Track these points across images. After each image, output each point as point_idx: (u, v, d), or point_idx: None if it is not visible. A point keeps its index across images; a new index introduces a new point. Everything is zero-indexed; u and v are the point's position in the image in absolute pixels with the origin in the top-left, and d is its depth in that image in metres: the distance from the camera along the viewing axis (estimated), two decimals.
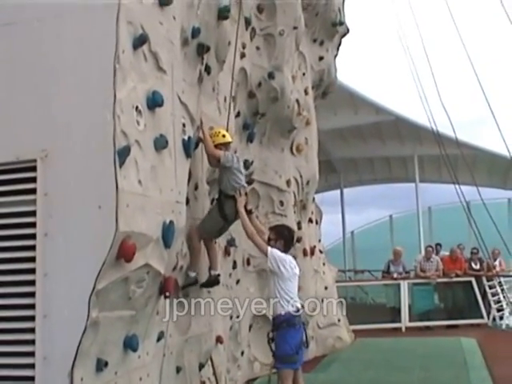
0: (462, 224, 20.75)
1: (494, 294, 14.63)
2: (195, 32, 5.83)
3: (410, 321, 14.35)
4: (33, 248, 4.28)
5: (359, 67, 44.21)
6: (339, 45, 12.43)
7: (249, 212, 6.76)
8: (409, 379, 8.76)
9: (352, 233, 27.90)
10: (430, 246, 15.99)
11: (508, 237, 14.31)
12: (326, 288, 11.19)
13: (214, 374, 6.91)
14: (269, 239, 6.54)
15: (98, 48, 4.37)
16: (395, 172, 25.31)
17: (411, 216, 23.94)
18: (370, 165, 25.19)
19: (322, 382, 8.36)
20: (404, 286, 14.60)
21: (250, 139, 8.71)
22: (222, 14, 6.40)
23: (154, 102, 4.75)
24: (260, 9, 8.87)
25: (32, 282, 4.26)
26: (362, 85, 31.06)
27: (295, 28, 9.19)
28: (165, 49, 5.06)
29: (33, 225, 4.31)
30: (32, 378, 4.15)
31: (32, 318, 4.23)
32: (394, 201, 30.37)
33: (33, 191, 4.35)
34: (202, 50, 6.08)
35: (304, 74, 10.59)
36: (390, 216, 28.25)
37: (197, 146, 6.36)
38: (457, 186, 13.19)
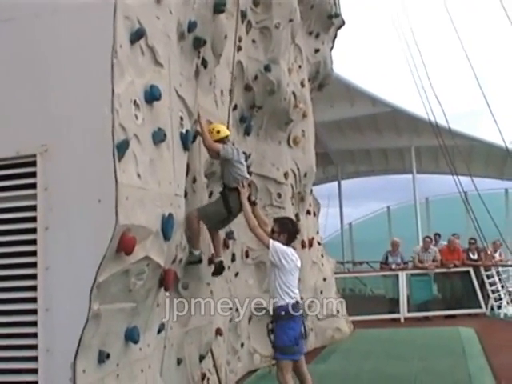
0: (459, 215, 20.78)
1: (491, 284, 14.64)
2: (191, 26, 5.84)
3: (409, 311, 14.35)
4: (34, 242, 4.32)
5: (355, 59, 44.18)
6: (335, 37, 12.42)
7: (252, 203, 6.78)
8: (408, 369, 8.81)
9: (350, 225, 27.92)
10: (428, 237, 15.98)
11: (506, 228, 14.32)
12: (324, 279, 11.24)
13: (215, 365, 6.96)
14: (272, 231, 6.56)
15: (95, 43, 4.39)
16: (392, 163, 25.30)
17: (409, 207, 23.91)
18: (367, 157, 25.17)
19: (323, 373, 8.41)
20: (402, 276, 14.60)
21: (247, 132, 8.74)
22: (218, 7, 6.41)
23: (152, 95, 4.78)
24: (256, 2, 8.86)
25: (33, 276, 4.30)
26: (358, 77, 31.06)
27: (291, 21, 9.19)
28: (162, 43, 5.07)
29: (33, 219, 4.34)
30: (35, 371, 4.20)
31: (34, 312, 4.27)
32: (391, 192, 30.38)
33: (33, 186, 4.38)
34: (199, 43, 6.10)
35: (300, 67, 10.61)
36: (388, 207, 28.20)
37: (194, 139, 6.39)
38: (455, 177, 13.18)
